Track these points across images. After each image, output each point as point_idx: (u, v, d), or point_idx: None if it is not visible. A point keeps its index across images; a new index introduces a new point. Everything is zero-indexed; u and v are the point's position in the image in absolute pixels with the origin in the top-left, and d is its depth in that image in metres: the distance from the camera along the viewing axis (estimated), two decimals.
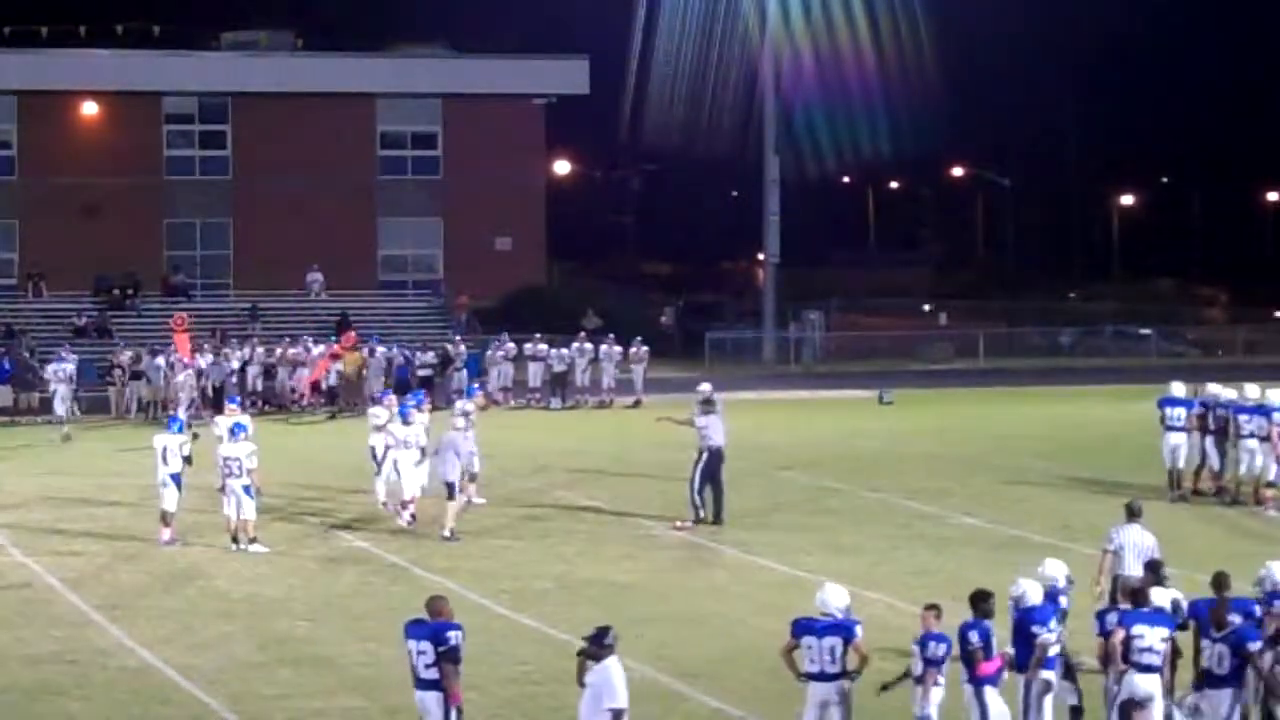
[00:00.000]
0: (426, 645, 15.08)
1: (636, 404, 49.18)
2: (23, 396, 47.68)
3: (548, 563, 26.09)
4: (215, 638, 21.39)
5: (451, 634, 15.11)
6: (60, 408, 44.26)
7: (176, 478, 27.25)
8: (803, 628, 15.54)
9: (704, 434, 28.99)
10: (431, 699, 15.13)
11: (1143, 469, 35.65)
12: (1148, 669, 15.59)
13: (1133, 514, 20.32)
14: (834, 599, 15.67)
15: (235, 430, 27.55)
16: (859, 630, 15.51)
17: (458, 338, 53.03)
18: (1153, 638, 15.63)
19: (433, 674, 15.06)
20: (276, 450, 33.52)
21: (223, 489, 26.96)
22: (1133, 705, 15.56)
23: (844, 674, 15.40)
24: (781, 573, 25.10)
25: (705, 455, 28.90)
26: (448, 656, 15.02)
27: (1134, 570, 18.94)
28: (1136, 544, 19.73)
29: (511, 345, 50.71)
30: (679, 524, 28.92)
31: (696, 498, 28.88)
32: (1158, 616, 15.88)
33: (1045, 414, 47.83)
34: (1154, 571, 17.62)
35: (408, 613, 22.49)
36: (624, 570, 25.49)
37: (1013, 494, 32.88)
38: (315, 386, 48.59)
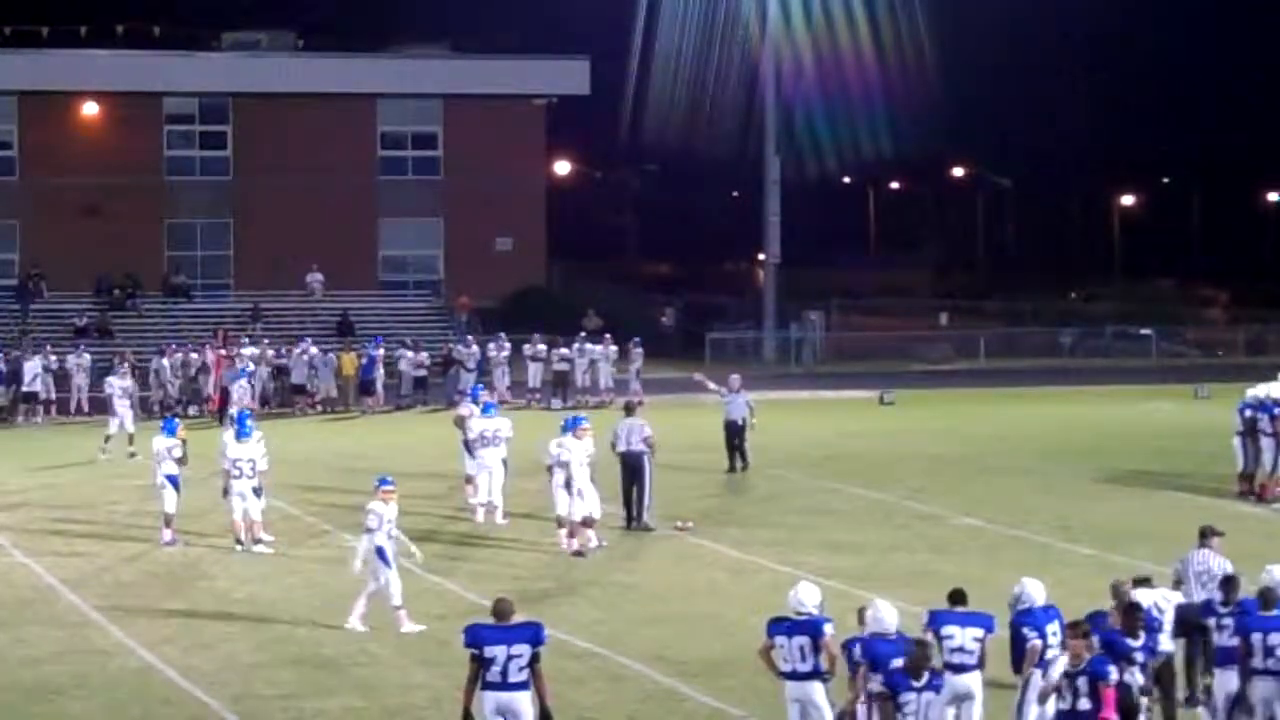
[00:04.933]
0: (523, 648, 14.84)
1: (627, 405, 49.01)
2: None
3: (548, 563, 26.09)
4: (216, 638, 21.39)
5: (545, 632, 15.13)
6: None
7: (174, 479, 27.27)
8: (775, 627, 15.57)
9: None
10: (521, 700, 14.87)
11: (1143, 469, 35.73)
12: (961, 668, 15.57)
13: (1204, 537, 18.89)
14: (806, 597, 15.61)
15: (241, 432, 27.53)
16: (828, 629, 15.41)
17: (469, 338, 53.05)
18: (964, 638, 15.65)
19: (525, 675, 14.84)
20: (275, 450, 33.48)
21: (226, 492, 26.90)
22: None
23: (817, 673, 15.37)
24: (781, 573, 25.06)
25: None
26: (539, 656, 14.97)
27: (1197, 595, 17.99)
28: (1206, 569, 18.41)
29: (508, 345, 50.71)
30: (679, 524, 28.95)
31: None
32: (970, 617, 15.85)
33: (1045, 414, 47.81)
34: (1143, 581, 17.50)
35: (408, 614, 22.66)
36: (624, 570, 25.50)
37: (1013, 494, 32.87)
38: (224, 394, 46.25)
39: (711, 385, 37.30)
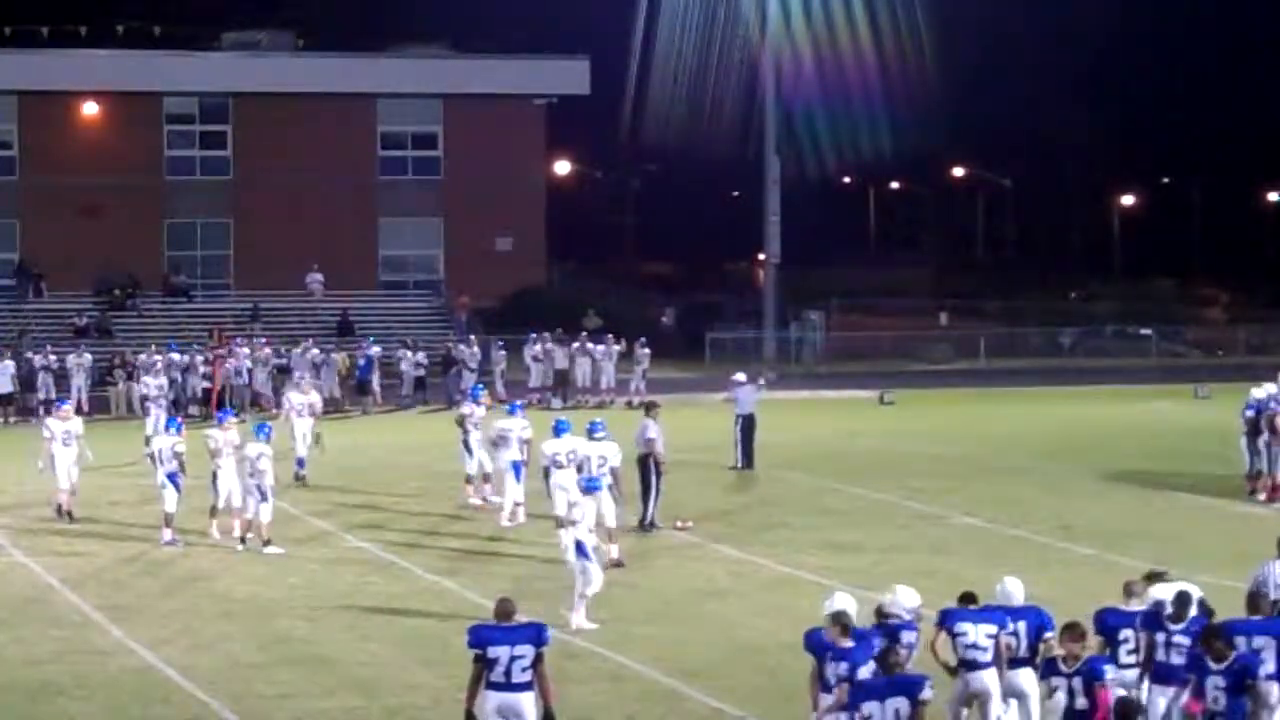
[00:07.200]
0: (527, 648, 14.78)
1: (629, 404, 49.05)
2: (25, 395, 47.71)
3: (548, 563, 26.06)
4: (216, 638, 21.39)
5: (549, 632, 15.13)
6: None
7: (174, 478, 27.27)
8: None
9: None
10: (524, 701, 14.81)
11: (1143, 469, 35.74)
12: (975, 665, 15.58)
13: None
14: (904, 600, 15.68)
15: (260, 430, 27.64)
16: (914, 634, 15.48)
17: (471, 337, 53.07)
18: (977, 634, 15.65)
19: (529, 676, 14.79)
20: (275, 449, 33.47)
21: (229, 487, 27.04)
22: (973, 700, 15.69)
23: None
24: (781, 572, 25.11)
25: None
26: (543, 657, 14.92)
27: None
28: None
29: (551, 346, 50.55)
30: (679, 523, 28.96)
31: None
32: (982, 614, 15.83)
33: (1045, 414, 47.82)
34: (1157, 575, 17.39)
35: (408, 613, 22.68)
36: (624, 570, 25.47)
37: (1013, 494, 32.87)
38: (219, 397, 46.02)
39: (761, 380, 38.40)
